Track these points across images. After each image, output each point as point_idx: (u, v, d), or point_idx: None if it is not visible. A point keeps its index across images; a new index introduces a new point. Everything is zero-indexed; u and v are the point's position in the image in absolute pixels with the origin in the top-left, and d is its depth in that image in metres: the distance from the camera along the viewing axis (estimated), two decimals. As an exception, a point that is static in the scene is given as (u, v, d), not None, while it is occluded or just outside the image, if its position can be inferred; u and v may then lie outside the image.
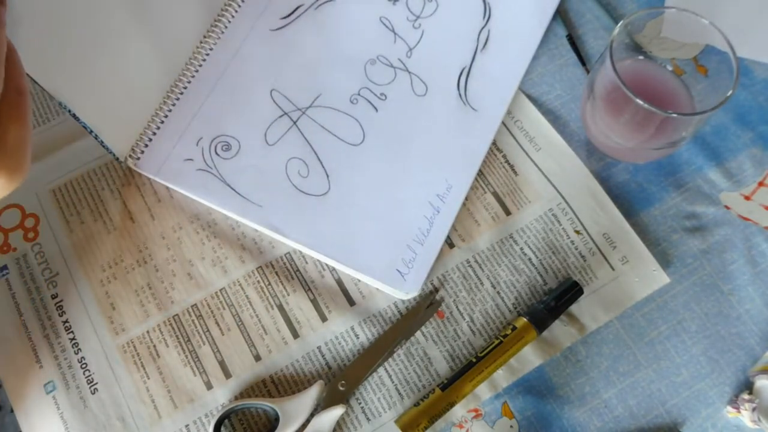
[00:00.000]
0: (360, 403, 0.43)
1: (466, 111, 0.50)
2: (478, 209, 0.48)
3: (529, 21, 0.53)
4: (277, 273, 0.46)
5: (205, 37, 0.51)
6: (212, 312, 0.45)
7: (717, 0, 0.54)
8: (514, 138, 0.50)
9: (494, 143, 0.50)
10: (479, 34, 0.52)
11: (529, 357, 0.44)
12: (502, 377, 0.43)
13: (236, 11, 0.52)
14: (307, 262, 0.46)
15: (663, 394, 0.43)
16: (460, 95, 0.50)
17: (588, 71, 0.52)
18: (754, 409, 0.42)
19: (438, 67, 0.51)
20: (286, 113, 0.50)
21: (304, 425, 0.41)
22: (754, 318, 0.45)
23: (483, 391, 0.43)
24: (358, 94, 0.50)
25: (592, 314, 0.45)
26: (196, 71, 0.50)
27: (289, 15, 0.53)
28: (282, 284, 0.46)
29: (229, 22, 0.52)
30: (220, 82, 0.50)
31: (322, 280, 0.46)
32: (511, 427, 0.43)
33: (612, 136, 0.45)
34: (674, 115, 0.40)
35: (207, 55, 0.51)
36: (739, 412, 0.42)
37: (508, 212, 0.48)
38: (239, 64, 0.51)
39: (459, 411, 0.43)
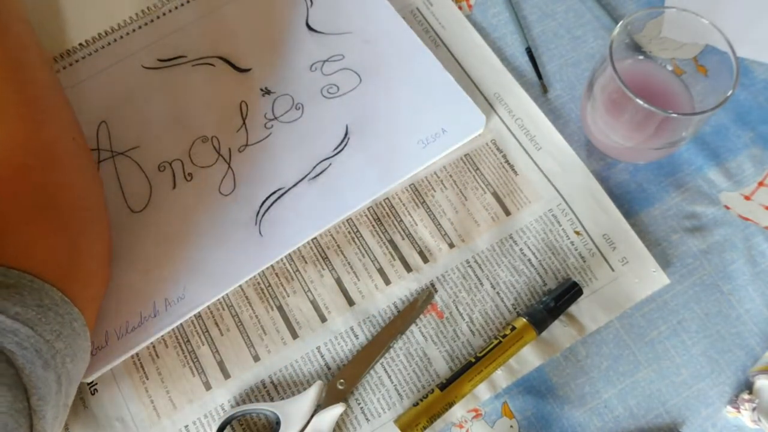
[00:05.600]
0: (359, 404, 0.43)
1: (250, 231, 0.46)
2: (477, 209, 0.48)
3: (370, 175, 0.48)
4: (277, 274, 0.46)
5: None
6: (212, 312, 0.45)
7: (717, 0, 0.54)
8: (515, 137, 0.50)
9: (494, 143, 0.50)
10: (317, 164, 0.48)
11: (528, 357, 0.44)
12: (501, 377, 0.43)
13: (126, 35, 0.52)
14: (306, 263, 0.46)
15: (663, 394, 0.43)
16: (257, 212, 0.46)
17: (545, 88, 0.52)
18: (754, 409, 0.42)
19: (256, 174, 0.48)
20: (98, 149, 0.48)
21: (305, 426, 0.41)
22: (754, 318, 0.45)
23: (483, 391, 0.43)
24: (170, 164, 0.48)
25: (592, 315, 0.45)
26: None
27: (168, 60, 0.51)
28: (282, 285, 0.46)
29: (114, 41, 0.52)
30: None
31: (322, 281, 0.46)
32: (511, 427, 0.43)
33: (612, 136, 0.45)
34: (674, 115, 0.40)
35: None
36: (739, 412, 0.42)
37: (507, 212, 0.48)
38: (92, 84, 0.50)
39: (459, 411, 0.43)
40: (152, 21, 0.53)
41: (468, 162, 0.49)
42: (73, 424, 0.42)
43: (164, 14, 0.53)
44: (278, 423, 0.41)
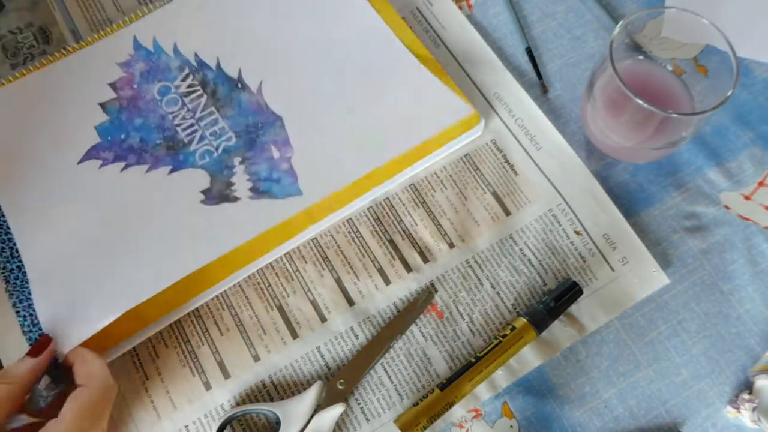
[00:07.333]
0: (359, 404, 0.43)
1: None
2: (477, 209, 0.48)
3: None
4: (277, 274, 0.46)
5: None
6: (211, 312, 0.45)
7: (717, 0, 0.54)
8: (515, 137, 0.50)
9: (494, 143, 0.50)
10: None
11: (528, 357, 0.44)
12: (501, 377, 0.43)
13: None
14: (306, 262, 0.46)
15: (663, 394, 0.43)
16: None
17: (545, 88, 0.52)
18: (754, 409, 0.42)
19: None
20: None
21: (305, 426, 0.41)
22: (754, 318, 0.45)
23: (483, 391, 0.43)
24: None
25: (592, 315, 0.45)
26: None
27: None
28: (282, 285, 0.46)
29: None
30: None
31: (322, 281, 0.46)
32: (511, 427, 0.43)
33: (612, 136, 0.45)
34: (674, 115, 0.40)
35: None
36: (739, 412, 0.42)
37: (507, 212, 0.48)
38: None
39: (459, 411, 0.43)
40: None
41: (468, 162, 0.49)
42: (73, 424, 0.42)
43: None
44: (278, 423, 0.41)
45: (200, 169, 0.47)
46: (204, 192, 0.47)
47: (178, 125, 0.49)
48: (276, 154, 0.48)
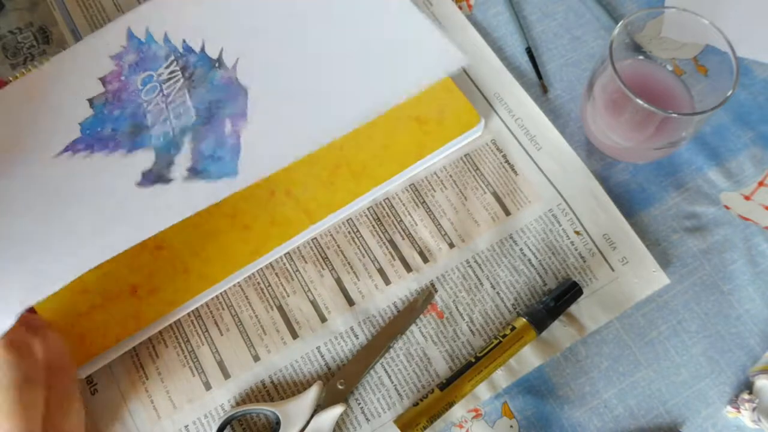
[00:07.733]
0: (359, 404, 0.43)
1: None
2: (477, 209, 0.48)
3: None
4: (277, 274, 0.46)
5: None
6: (211, 312, 0.45)
7: (717, 0, 0.54)
8: (515, 137, 0.50)
9: (494, 143, 0.50)
10: None
11: (528, 357, 0.44)
12: (501, 377, 0.43)
13: None
14: (306, 262, 0.46)
15: (663, 394, 0.43)
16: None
17: (545, 88, 0.52)
18: (754, 409, 0.42)
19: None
20: None
21: (305, 426, 0.41)
22: (754, 318, 0.45)
23: (483, 391, 0.43)
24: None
25: (592, 315, 0.45)
26: None
27: None
28: (282, 285, 0.46)
29: None
30: None
31: (322, 281, 0.46)
32: (511, 427, 0.43)
33: (612, 136, 0.45)
34: (674, 115, 0.40)
35: None
36: (739, 412, 0.42)
37: (507, 212, 0.48)
38: None
39: (459, 411, 0.43)
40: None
41: (468, 162, 0.49)
42: (73, 424, 0.42)
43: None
44: (278, 423, 0.41)
45: (151, 149, 0.47)
46: (144, 173, 0.46)
47: (149, 111, 0.48)
48: (228, 128, 0.47)
